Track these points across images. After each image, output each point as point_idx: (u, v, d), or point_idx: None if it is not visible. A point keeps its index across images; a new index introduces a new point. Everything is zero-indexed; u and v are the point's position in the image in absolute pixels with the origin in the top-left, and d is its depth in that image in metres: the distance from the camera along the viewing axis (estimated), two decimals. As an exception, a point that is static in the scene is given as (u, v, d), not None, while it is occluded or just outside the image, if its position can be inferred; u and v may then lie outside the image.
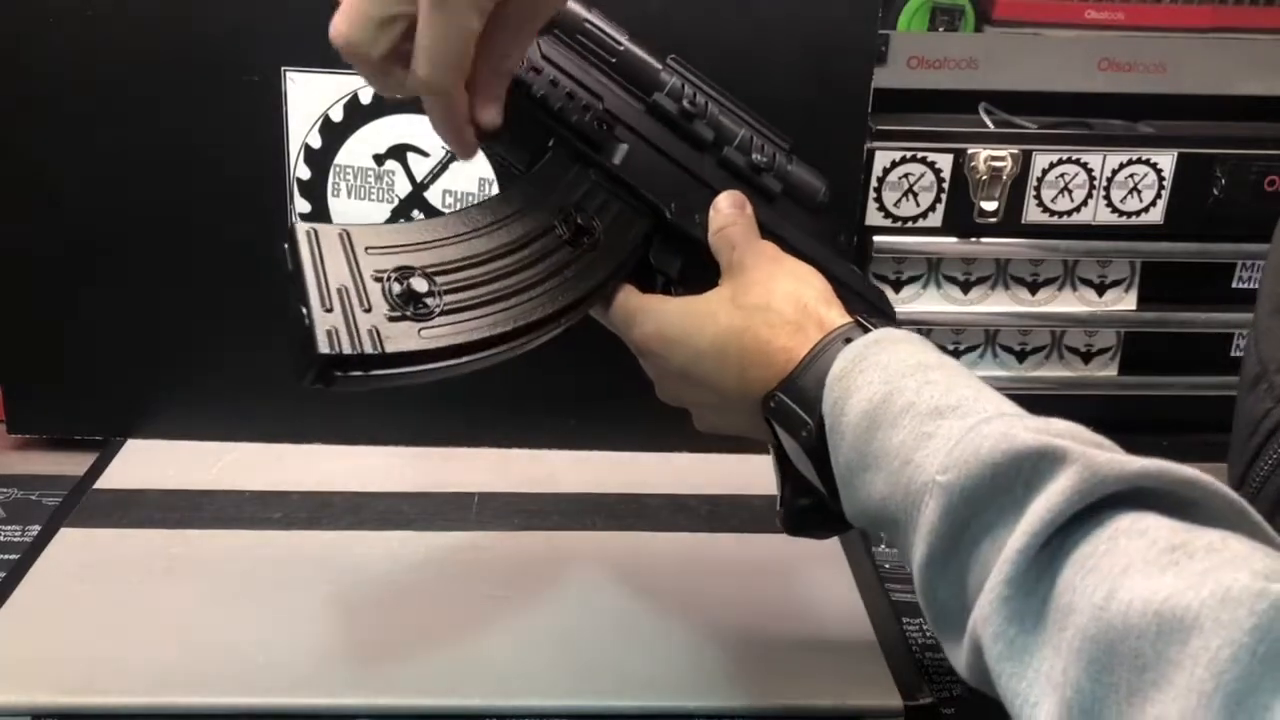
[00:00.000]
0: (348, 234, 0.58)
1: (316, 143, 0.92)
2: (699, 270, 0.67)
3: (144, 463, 0.96)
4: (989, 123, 1.02)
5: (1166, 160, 1.00)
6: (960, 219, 1.00)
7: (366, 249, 0.58)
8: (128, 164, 0.91)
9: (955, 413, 0.49)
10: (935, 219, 1.00)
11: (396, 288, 0.57)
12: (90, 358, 0.97)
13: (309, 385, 0.56)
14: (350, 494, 0.93)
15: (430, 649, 0.75)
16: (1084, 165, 0.99)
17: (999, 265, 1.04)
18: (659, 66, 0.68)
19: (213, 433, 0.99)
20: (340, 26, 0.55)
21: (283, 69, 0.90)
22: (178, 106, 0.90)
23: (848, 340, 0.57)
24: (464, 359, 0.58)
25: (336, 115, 0.92)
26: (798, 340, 0.58)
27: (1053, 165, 0.99)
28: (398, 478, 0.95)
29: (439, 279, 0.59)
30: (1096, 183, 1.00)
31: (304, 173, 0.93)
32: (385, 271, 0.58)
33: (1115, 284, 1.05)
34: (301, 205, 0.94)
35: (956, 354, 1.06)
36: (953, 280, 1.04)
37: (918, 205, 1.00)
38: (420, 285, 0.57)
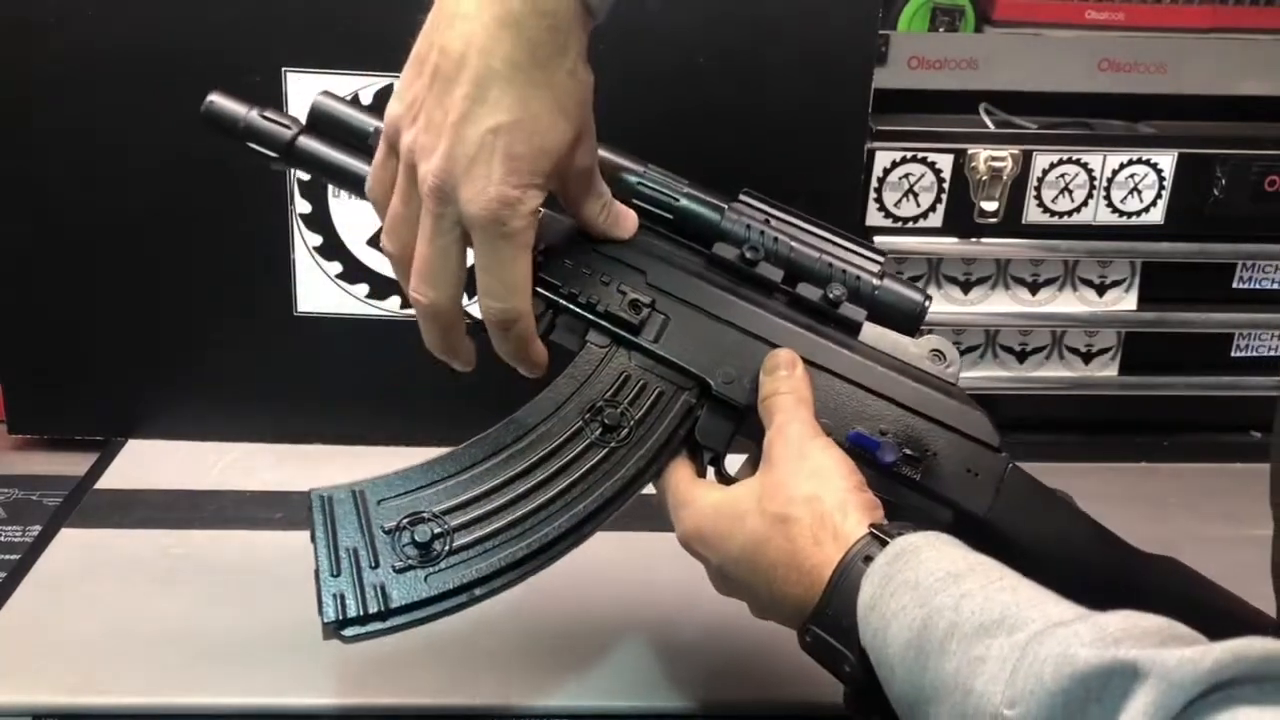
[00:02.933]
0: (361, 493, 0.61)
1: (317, 143, 0.92)
2: (757, 433, 0.63)
3: (144, 463, 0.96)
4: (989, 123, 1.02)
5: (1166, 160, 1.00)
6: (960, 219, 1.00)
7: (379, 502, 0.60)
8: (128, 164, 0.91)
9: (1001, 628, 0.47)
10: (935, 219, 1.00)
11: (404, 538, 0.59)
12: (90, 358, 0.97)
13: (328, 640, 0.59)
14: (350, 494, 0.92)
15: (431, 649, 0.74)
16: (1084, 165, 0.99)
17: (999, 265, 1.04)
18: (718, 214, 0.66)
19: (213, 433, 0.99)
20: (428, 293, 0.58)
21: (283, 69, 0.90)
22: (178, 106, 0.90)
23: (868, 558, 0.54)
24: (475, 592, 0.60)
25: (337, 115, 0.92)
26: (818, 557, 0.56)
27: (1053, 165, 0.99)
28: (398, 478, 0.95)
29: (451, 518, 0.60)
30: (1097, 183, 1.00)
31: (304, 173, 0.93)
32: (396, 521, 0.60)
33: (1115, 284, 1.05)
34: (302, 205, 0.94)
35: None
36: (953, 280, 1.04)
37: (918, 205, 1.00)
38: (427, 532, 0.59)
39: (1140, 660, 0.40)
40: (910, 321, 0.67)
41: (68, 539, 0.85)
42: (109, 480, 0.93)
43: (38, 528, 0.87)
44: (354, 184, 0.66)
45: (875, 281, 0.66)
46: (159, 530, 0.86)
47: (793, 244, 0.66)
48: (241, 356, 0.97)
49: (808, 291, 0.66)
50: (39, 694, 0.70)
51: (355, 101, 0.69)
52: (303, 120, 0.67)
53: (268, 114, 0.67)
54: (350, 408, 0.99)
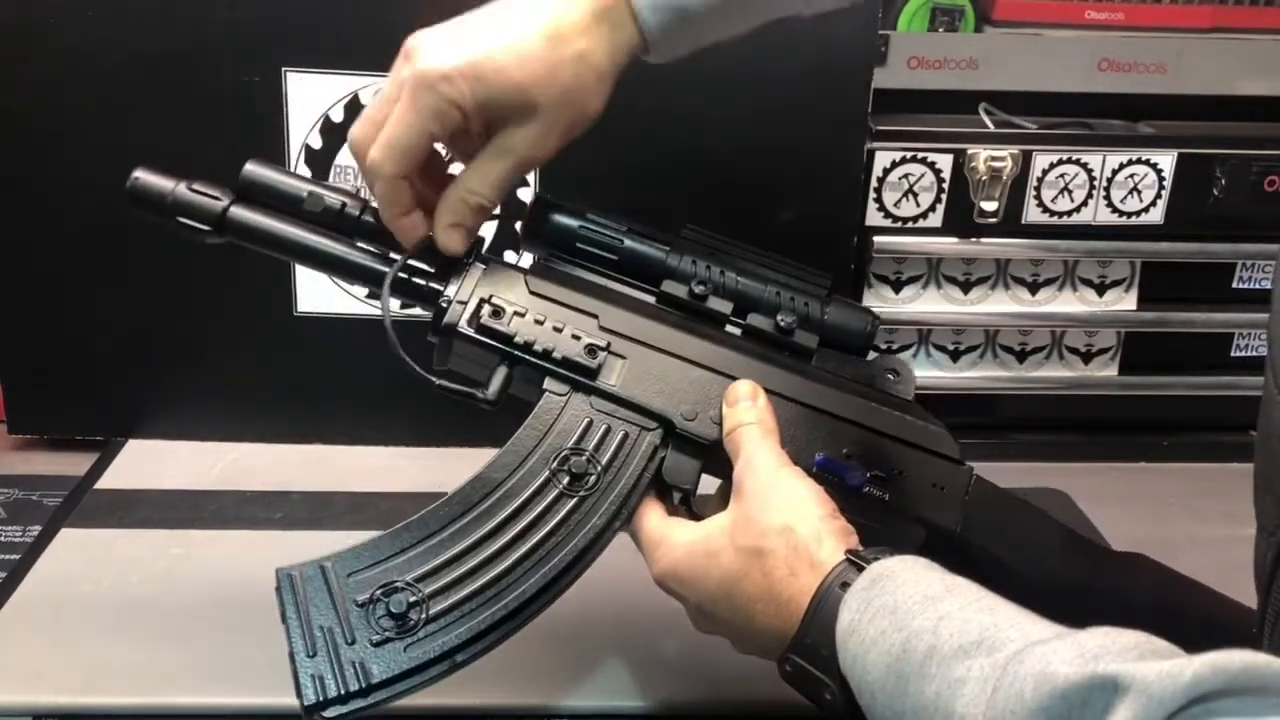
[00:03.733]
0: (330, 567, 0.59)
1: (317, 143, 0.92)
2: (724, 467, 0.63)
3: (144, 463, 0.96)
4: (989, 123, 1.02)
5: (1166, 160, 1.00)
6: (960, 219, 1.00)
7: (349, 575, 0.59)
8: (128, 164, 0.91)
9: (980, 649, 0.47)
10: (935, 219, 1.00)
11: (379, 610, 0.58)
12: (90, 358, 0.97)
13: None
14: (351, 494, 0.93)
15: (430, 649, 0.75)
16: (1084, 165, 0.99)
17: (999, 265, 1.04)
18: (663, 252, 0.66)
19: (213, 433, 0.99)
20: (363, 136, 0.63)
21: (283, 69, 0.90)
22: (178, 106, 0.90)
23: (844, 584, 0.54)
24: (457, 659, 0.59)
25: (337, 115, 0.92)
26: (795, 588, 0.56)
27: (1053, 165, 0.99)
28: (399, 477, 0.95)
29: (424, 585, 0.59)
30: (1096, 183, 1.00)
31: (304, 173, 0.93)
32: (369, 594, 0.58)
33: (1115, 284, 1.05)
34: (301, 205, 0.94)
35: (956, 354, 1.06)
36: (953, 280, 1.04)
37: (918, 205, 1.00)
38: (402, 602, 0.58)
39: (1120, 675, 0.41)
40: (861, 341, 0.68)
41: (68, 539, 0.85)
42: (109, 480, 0.93)
43: (38, 528, 0.87)
44: (292, 251, 0.66)
45: (823, 306, 0.67)
46: (159, 530, 0.87)
47: (740, 276, 0.67)
48: (241, 356, 0.97)
49: (759, 322, 0.66)
50: (39, 694, 0.70)
51: (287, 167, 0.70)
52: (234, 192, 0.66)
53: (196, 186, 0.66)
54: (350, 408, 0.99)
